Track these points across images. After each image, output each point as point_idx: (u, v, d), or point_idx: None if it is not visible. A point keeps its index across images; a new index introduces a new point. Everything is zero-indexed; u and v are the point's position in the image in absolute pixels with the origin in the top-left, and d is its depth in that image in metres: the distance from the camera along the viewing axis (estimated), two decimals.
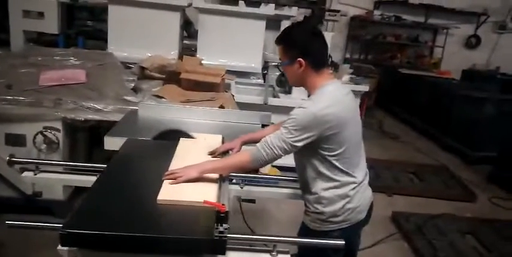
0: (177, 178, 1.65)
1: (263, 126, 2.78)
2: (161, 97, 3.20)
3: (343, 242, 1.56)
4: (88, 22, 5.57)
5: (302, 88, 1.92)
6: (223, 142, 2.16)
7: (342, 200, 1.81)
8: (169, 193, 1.55)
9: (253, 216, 3.18)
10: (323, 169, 1.79)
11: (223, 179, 1.76)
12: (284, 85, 4.59)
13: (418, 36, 8.84)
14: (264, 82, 4.45)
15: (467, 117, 5.72)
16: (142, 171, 1.83)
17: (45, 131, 2.84)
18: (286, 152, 1.73)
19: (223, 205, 1.41)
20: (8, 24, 4.52)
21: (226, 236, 1.30)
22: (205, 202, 1.46)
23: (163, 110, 2.67)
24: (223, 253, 1.33)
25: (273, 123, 2.86)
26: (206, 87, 3.43)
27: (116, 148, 2.20)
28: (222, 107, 3.10)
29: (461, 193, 4.58)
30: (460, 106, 5.93)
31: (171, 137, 2.18)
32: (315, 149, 1.76)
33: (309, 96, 1.87)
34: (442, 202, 4.32)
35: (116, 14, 4.37)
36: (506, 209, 4.33)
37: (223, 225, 1.30)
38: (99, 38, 5.06)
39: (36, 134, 2.83)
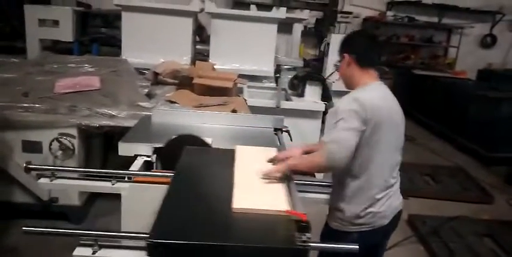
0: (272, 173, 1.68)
1: (276, 130, 2.78)
2: (174, 102, 3.23)
3: (357, 246, 1.55)
4: (102, 29, 5.65)
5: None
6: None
7: (366, 202, 1.81)
8: (243, 201, 1.54)
9: None
10: (356, 169, 1.79)
11: (290, 186, 1.71)
12: (296, 88, 4.58)
13: (432, 36, 8.75)
14: (277, 85, 4.45)
15: (484, 117, 5.64)
16: (209, 179, 1.83)
17: (61, 138, 2.88)
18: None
19: (304, 213, 1.40)
20: (25, 33, 4.63)
21: (309, 246, 1.30)
22: (287, 211, 1.45)
23: (176, 115, 2.69)
24: None
25: (286, 126, 2.86)
26: (219, 92, 3.45)
27: (130, 154, 2.24)
28: (234, 111, 3.11)
29: (478, 194, 4.51)
30: (476, 106, 5.86)
31: (184, 142, 2.19)
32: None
33: None
34: (458, 204, 4.26)
35: (129, 21, 4.44)
36: None
37: (306, 234, 1.30)
38: (113, 44, 5.13)
39: (52, 140, 2.88)
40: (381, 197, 1.83)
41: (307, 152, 2.01)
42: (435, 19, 8.60)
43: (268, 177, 1.66)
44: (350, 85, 1.92)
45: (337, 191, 1.87)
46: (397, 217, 1.94)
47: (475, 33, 8.80)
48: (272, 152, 2.09)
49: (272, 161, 1.94)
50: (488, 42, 8.87)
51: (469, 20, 8.63)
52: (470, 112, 5.95)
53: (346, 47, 1.91)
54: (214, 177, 1.84)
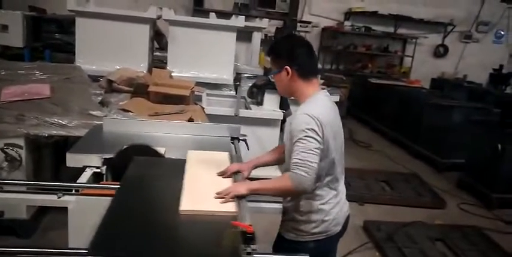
0: (229, 194, 1.64)
1: (233, 139, 2.77)
2: (128, 111, 3.15)
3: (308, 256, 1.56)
4: (56, 35, 5.47)
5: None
6: (231, 160, 2.12)
7: (320, 212, 1.83)
8: (191, 203, 1.54)
9: None
10: None
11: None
12: (256, 97, 4.59)
13: (388, 46, 9.05)
14: (236, 94, 4.45)
15: (436, 125, 5.84)
16: (156, 189, 1.79)
17: (7, 148, 2.76)
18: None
19: (250, 225, 1.39)
20: None
21: None
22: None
23: (128, 124, 2.63)
24: None
25: (244, 135, 2.86)
26: (175, 100, 3.41)
27: (79, 165, 2.16)
28: (191, 120, 3.08)
29: (431, 200, 4.65)
30: (430, 114, 6.05)
31: (135, 152, 2.14)
32: None
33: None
34: (413, 209, 4.37)
35: (83, 27, 4.31)
36: (474, 215, 4.42)
37: (252, 246, 1.29)
38: (69, 51, 4.96)
39: None
40: (334, 206, 1.87)
41: (258, 166, 2.04)
42: (391, 29, 8.91)
43: (225, 200, 1.63)
44: (292, 95, 1.90)
45: (291, 202, 1.87)
46: (346, 222, 1.98)
47: (429, 43, 9.18)
48: (224, 156, 2.08)
49: (223, 174, 1.92)
50: (440, 52, 9.27)
51: (423, 31, 9.00)
52: (423, 120, 6.14)
53: (285, 58, 1.81)
54: (163, 186, 1.80)
